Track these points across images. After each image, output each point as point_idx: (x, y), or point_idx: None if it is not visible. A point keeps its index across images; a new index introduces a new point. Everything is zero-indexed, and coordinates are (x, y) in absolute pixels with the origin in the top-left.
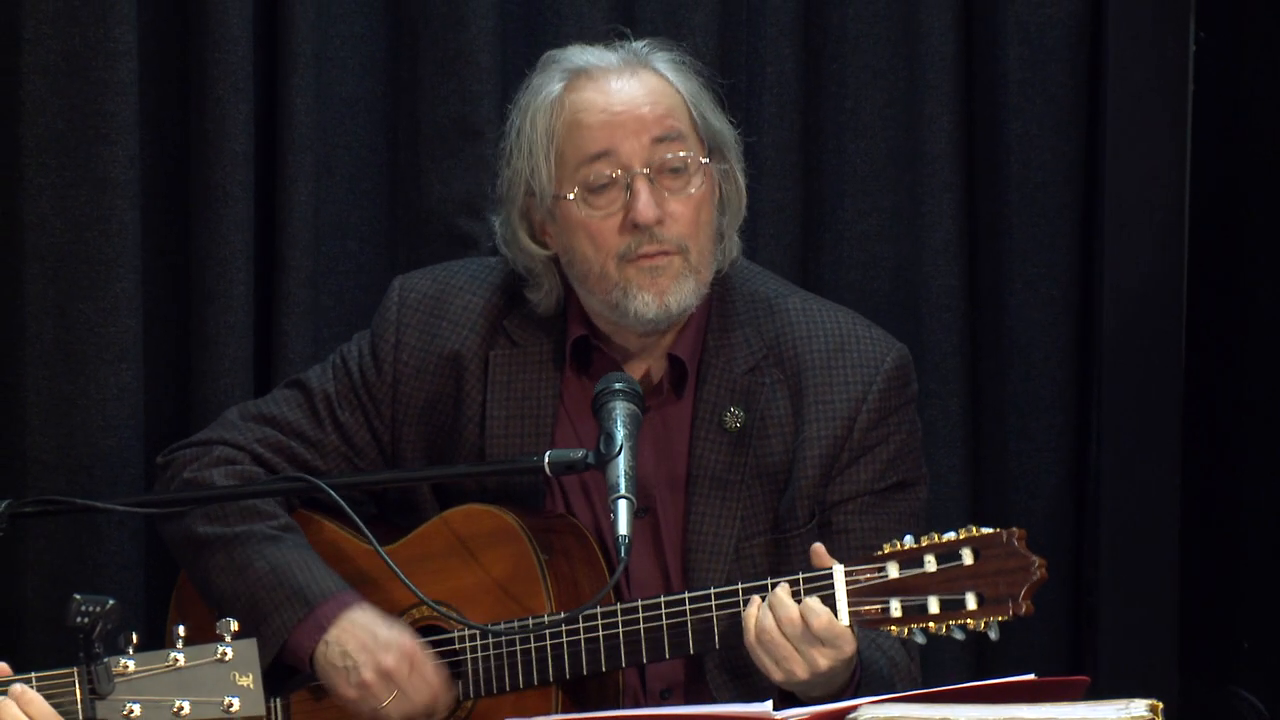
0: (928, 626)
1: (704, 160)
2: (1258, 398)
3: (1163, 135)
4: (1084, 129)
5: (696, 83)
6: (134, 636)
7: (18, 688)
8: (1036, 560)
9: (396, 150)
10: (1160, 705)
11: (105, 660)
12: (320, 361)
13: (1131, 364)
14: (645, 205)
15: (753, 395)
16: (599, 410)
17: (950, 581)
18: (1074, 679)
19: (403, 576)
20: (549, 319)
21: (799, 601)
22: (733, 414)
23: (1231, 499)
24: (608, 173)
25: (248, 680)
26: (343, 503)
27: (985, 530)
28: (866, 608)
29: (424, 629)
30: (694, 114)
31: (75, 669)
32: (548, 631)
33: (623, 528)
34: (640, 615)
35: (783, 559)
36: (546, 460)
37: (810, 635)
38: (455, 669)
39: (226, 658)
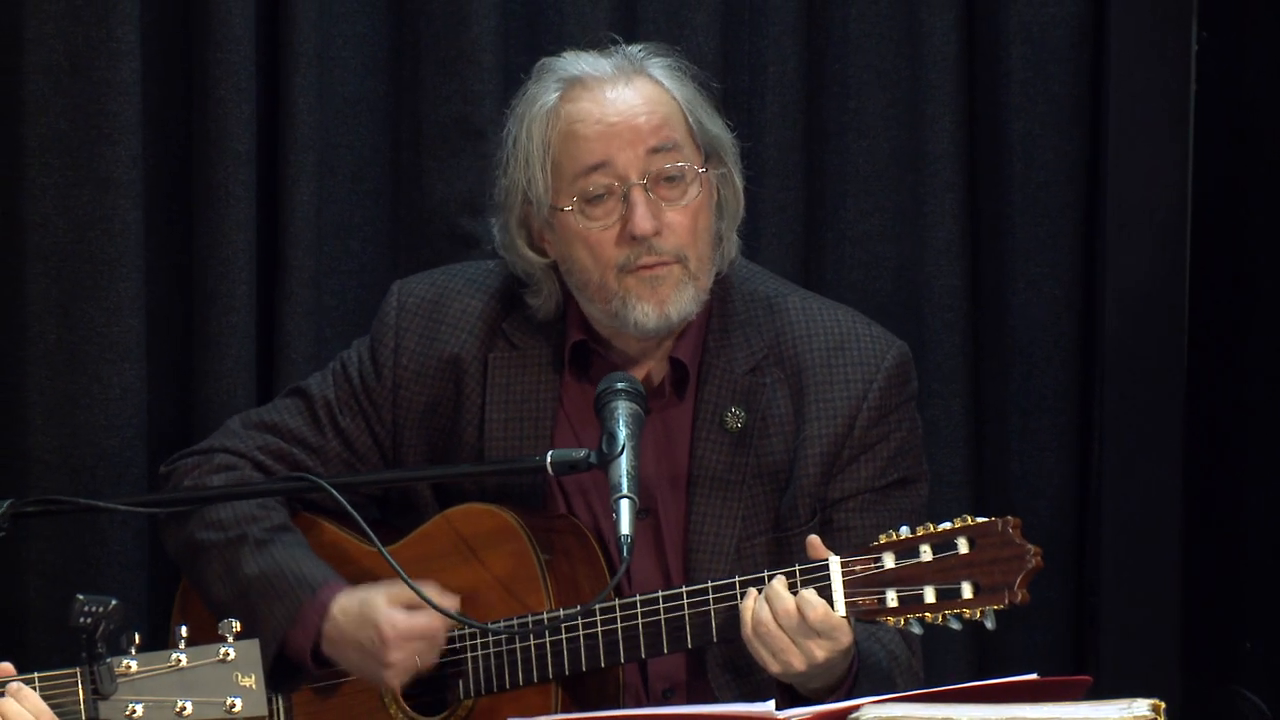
0: (924, 616)
1: (700, 169)
2: (1260, 397)
3: (1165, 135)
4: (1086, 129)
5: (692, 87)
6: (136, 637)
7: (14, 685)
8: (1032, 548)
9: (399, 150)
10: (1162, 705)
11: (108, 660)
12: (321, 365)
13: (1134, 364)
14: (642, 217)
15: (753, 395)
16: (601, 410)
17: (946, 571)
18: (1076, 679)
19: (404, 576)
20: (548, 322)
21: (795, 594)
22: (734, 414)
23: (1234, 498)
24: (604, 184)
25: (250, 680)
26: (342, 500)
27: (980, 519)
28: (863, 599)
29: None
30: (690, 120)
31: (78, 669)
32: (547, 630)
33: (625, 527)
34: (638, 610)
35: (784, 558)
36: (549, 460)
37: (807, 627)
38: (455, 668)
39: (229, 658)
